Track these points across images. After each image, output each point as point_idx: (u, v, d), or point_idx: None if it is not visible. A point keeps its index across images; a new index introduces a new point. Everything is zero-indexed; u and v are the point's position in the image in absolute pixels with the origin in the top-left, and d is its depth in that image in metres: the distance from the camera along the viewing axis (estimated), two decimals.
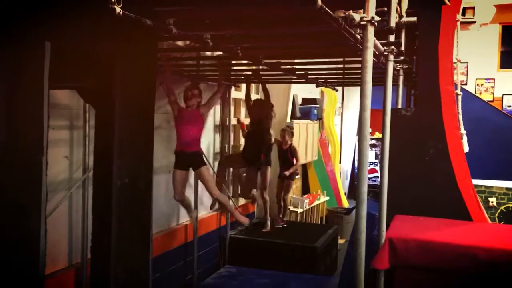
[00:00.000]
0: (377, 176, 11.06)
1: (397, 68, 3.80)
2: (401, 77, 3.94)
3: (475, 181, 4.61)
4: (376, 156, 11.56)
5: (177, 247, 5.27)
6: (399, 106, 4.09)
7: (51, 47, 2.05)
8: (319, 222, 8.55)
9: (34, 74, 1.99)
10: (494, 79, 11.58)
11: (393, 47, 3.03)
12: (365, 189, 2.42)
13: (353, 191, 11.77)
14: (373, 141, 10.74)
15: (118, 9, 1.93)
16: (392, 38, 3.08)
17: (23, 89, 1.92)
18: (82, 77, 2.77)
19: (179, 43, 4.36)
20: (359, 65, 4.29)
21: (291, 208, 7.68)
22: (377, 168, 11.56)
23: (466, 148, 3.78)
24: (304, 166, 8.98)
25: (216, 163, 5.99)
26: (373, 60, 2.47)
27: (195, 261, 5.51)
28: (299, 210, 7.68)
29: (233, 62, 5.02)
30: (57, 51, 2.15)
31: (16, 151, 1.85)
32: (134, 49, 2.57)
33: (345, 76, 5.09)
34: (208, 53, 4.78)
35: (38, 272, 2.08)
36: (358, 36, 2.54)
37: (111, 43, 2.38)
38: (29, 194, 1.93)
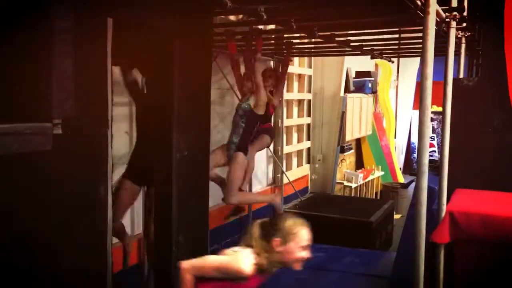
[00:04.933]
0: (434, 151, 10.74)
1: (459, 36, 3.62)
2: (463, 46, 3.76)
3: None
4: (433, 130, 11.18)
5: (232, 221, 5.37)
6: (461, 76, 3.92)
7: (113, 23, 2.11)
8: (374, 197, 8.45)
9: (97, 50, 2.06)
10: None
11: (455, 13, 2.88)
12: (426, 160, 2.36)
13: (408, 166, 11.49)
14: (430, 115, 10.38)
15: None
16: (454, 3, 2.93)
17: (88, 65, 1.99)
18: (142, 53, 2.84)
19: (231, 17, 4.35)
20: (416, 35, 4.17)
21: (345, 183, 7.62)
22: (434, 142, 11.19)
23: None
24: (358, 141, 8.85)
25: None
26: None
27: None
28: (353, 185, 7.61)
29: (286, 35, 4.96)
30: (117, 27, 2.21)
31: (84, 124, 1.93)
32: (191, 24, 2.60)
33: (401, 46, 4.92)
34: (260, 27, 4.74)
35: (106, 241, 2.18)
36: (419, 2, 2.44)
37: (170, 18, 2.42)
38: (96, 165, 2.02)
